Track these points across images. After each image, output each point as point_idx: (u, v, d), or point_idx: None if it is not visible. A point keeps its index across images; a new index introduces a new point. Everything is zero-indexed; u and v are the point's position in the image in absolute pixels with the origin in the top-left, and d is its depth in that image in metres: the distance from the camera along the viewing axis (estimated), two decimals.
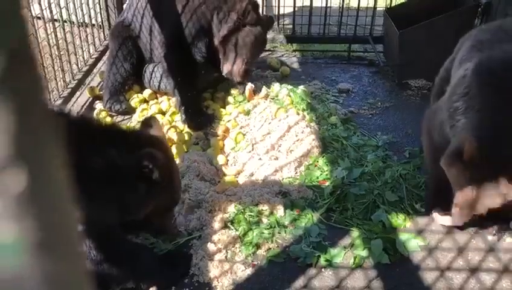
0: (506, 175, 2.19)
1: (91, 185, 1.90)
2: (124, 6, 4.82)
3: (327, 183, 3.02)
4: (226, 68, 3.81)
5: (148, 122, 2.34)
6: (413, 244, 2.63)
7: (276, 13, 5.02)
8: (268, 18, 3.83)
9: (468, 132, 2.25)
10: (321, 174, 3.12)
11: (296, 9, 4.92)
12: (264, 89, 3.96)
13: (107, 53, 4.17)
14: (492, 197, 2.31)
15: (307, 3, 4.87)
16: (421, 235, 2.72)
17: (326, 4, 4.83)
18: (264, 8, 4.87)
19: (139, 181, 2.04)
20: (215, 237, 2.61)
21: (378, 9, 4.87)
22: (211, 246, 2.56)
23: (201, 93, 4.01)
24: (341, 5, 4.88)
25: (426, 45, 4.01)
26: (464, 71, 2.44)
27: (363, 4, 4.90)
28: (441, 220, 2.73)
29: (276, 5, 4.96)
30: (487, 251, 2.62)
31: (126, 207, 2.09)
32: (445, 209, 2.64)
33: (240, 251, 2.58)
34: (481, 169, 2.23)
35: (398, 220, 2.79)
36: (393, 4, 4.84)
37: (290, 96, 3.86)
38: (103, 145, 1.96)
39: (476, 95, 2.29)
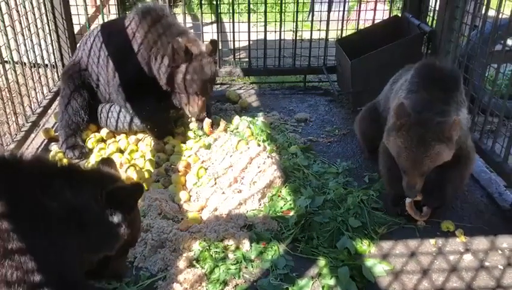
0: (427, 134, 2.64)
1: (52, 229, 1.83)
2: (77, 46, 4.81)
3: (291, 213, 3.03)
4: (185, 110, 3.85)
5: (105, 161, 2.30)
6: (379, 269, 2.66)
7: (232, 47, 5.10)
8: (210, 43, 3.79)
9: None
10: (285, 204, 3.13)
11: (251, 42, 5.02)
12: (222, 122, 3.98)
13: (60, 93, 4.09)
14: (424, 154, 2.67)
15: (262, 36, 4.98)
16: (386, 259, 2.75)
17: (280, 37, 4.96)
18: (220, 42, 4.93)
19: (108, 216, 1.99)
20: (180, 277, 2.54)
21: (330, 40, 5.04)
22: (176, 287, 2.49)
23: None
24: (294, 38, 5.02)
25: (377, 73, 4.16)
26: (405, 78, 3.12)
27: (315, 36, 5.05)
28: (407, 206, 2.99)
29: (232, 39, 5.05)
30: (450, 271, 2.68)
31: (99, 243, 2.02)
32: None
33: (207, 289, 2.52)
34: (409, 129, 2.67)
35: (363, 245, 2.82)
36: (344, 35, 5.02)
37: (250, 128, 3.90)
38: (60, 188, 1.90)
39: (414, 85, 2.91)
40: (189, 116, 3.91)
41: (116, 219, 2.02)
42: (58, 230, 1.85)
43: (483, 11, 3.60)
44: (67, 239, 1.88)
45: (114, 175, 2.22)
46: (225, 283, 2.54)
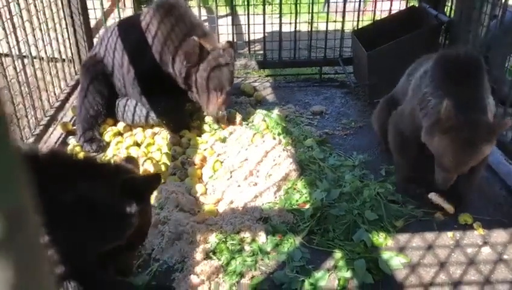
0: (479, 135, 2.60)
1: (66, 221, 1.87)
2: (95, 40, 4.85)
3: (307, 206, 3.03)
4: (205, 109, 3.83)
5: (128, 159, 2.33)
6: (396, 262, 2.65)
7: (247, 40, 5.09)
8: (226, 45, 3.78)
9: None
10: (300, 197, 3.13)
11: (266, 35, 5.00)
12: (238, 116, 3.99)
13: (78, 87, 4.14)
14: (470, 156, 2.67)
15: (277, 28, 4.96)
16: (403, 252, 2.74)
17: (295, 29, 4.93)
18: (235, 35, 4.93)
19: (120, 205, 2.02)
20: (197, 269, 2.57)
21: (346, 31, 5.00)
22: (193, 278, 2.52)
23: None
24: (310, 29, 4.98)
25: (394, 64, 4.11)
26: (424, 69, 3.00)
27: (331, 27, 5.02)
28: (435, 199, 3.01)
29: (247, 31, 5.04)
30: (468, 264, 2.66)
31: (111, 233, 2.05)
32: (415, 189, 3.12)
33: (223, 281, 2.54)
34: (457, 131, 2.60)
35: (379, 238, 2.81)
36: (360, 26, 4.98)
37: (265, 121, 3.89)
38: (74, 180, 1.93)
39: (440, 80, 2.79)
40: (207, 114, 3.90)
41: (129, 208, 2.04)
42: (72, 222, 1.88)
43: (503, 0, 3.53)
44: (81, 231, 1.91)
45: (130, 168, 2.24)
46: (241, 275, 2.56)
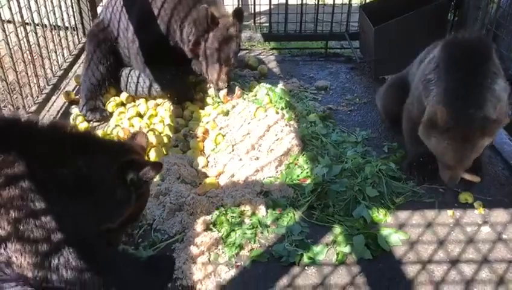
0: (476, 131, 2.60)
1: (63, 194, 1.87)
2: (99, 8, 4.78)
3: (308, 181, 3.03)
4: (209, 78, 3.83)
5: (135, 134, 2.33)
6: (395, 238, 2.66)
7: (252, 11, 5.01)
8: (236, 11, 3.74)
9: (439, 98, 2.71)
10: (302, 172, 3.13)
11: (272, 7, 4.92)
12: (237, 89, 3.95)
13: (83, 56, 4.10)
14: (471, 152, 2.70)
15: (283, 0, 4.87)
16: (402, 229, 2.75)
17: (302, 1, 4.84)
18: (240, 6, 4.84)
19: (117, 188, 2.02)
20: (197, 240, 2.59)
21: (353, 5, 4.91)
22: (193, 249, 2.54)
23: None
24: (317, 2, 4.90)
25: (401, 40, 4.06)
26: (432, 55, 2.95)
27: (338, 1, 4.92)
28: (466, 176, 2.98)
29: (252, 3, 4.96)
30: (467, 243, 2.67)
31: (104, 214, 2.06)
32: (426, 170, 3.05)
33: (223, 252, 2.57)
34: (453, 131, 2.62)
35: (379, 215, 2.81)
36: (368, 0, 4.88)
37: (268, 95, 3.86)
38: (74, 154, 1.92)
39: (443, 68, 2.77)
40: (211, 84, 3.88)
41: (124, 192, 2.03)
42: (68, 196, 1.89)
43: None
44: (78, 206, 1.91)
45: (132, 148, 2.22)
46: (241, 247, 2.59)
